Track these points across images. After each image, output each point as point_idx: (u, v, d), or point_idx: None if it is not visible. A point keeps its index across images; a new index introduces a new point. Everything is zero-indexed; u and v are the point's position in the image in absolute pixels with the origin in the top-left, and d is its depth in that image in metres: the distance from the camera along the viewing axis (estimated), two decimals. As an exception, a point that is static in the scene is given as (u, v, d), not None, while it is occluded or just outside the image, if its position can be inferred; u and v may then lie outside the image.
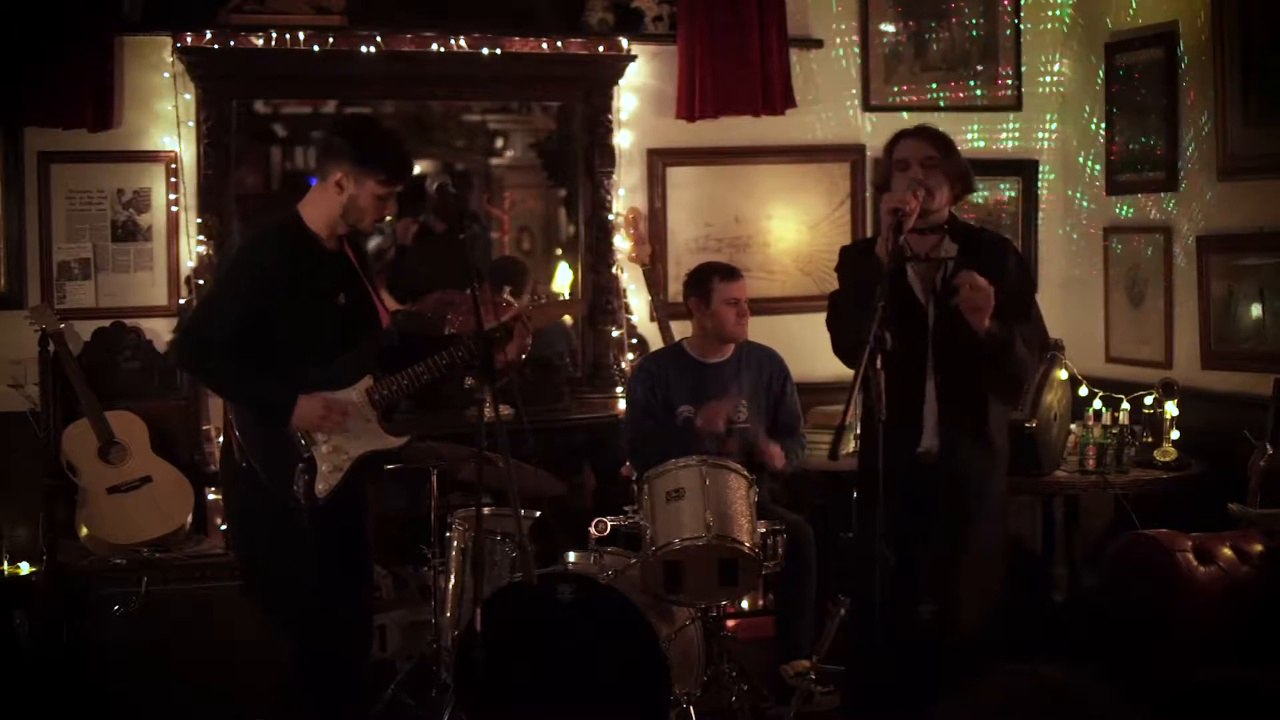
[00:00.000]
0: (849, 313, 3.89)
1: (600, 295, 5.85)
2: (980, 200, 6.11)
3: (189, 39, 5.29)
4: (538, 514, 4.51)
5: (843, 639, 4.28)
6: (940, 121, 6.09)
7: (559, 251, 6.53)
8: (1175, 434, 5.29)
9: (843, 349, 4.07)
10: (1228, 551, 4.09)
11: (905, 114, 6.15)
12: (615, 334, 5.87)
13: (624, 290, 5.89)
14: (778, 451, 4.86)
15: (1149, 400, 5.39)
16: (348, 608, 3.85)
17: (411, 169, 3.96)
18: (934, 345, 4.01)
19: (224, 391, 3.96)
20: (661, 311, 5.66)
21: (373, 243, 7.19)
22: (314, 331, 3.77)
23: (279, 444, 3.74)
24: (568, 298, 5.94)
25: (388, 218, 3.95)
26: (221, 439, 4.16)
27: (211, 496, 5.09)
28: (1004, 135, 6.27)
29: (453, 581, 4.49)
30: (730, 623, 4.95)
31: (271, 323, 3.73)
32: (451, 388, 5.13)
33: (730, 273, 5.02)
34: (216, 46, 5.32)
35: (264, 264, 3.78)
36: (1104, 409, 5.39)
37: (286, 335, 3.74)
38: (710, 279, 4.98)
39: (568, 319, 6.13)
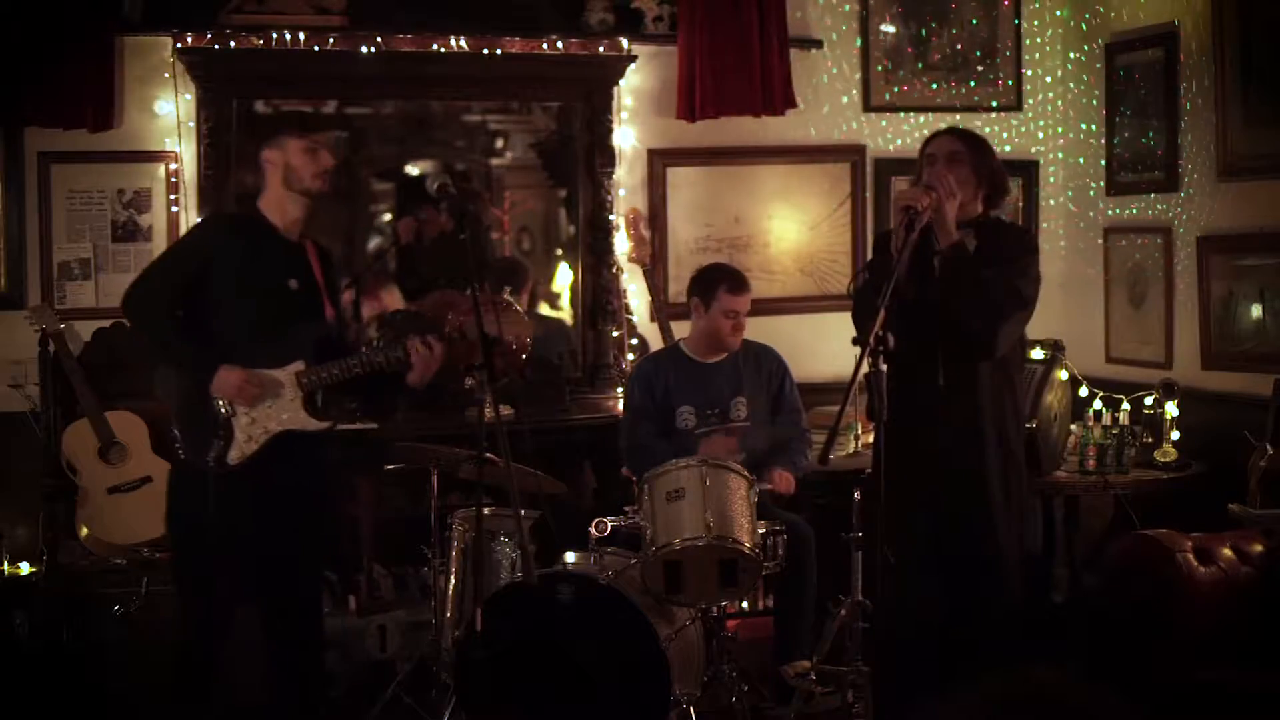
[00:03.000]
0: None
1: (600, 295, 5.85)
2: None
3: (189, 39, 5.29)
4: (538, 514, 4.51)
5: (851, 638, 4.27)
6: (940, 122, 6.14)
7: (559, 251, 6.52)
8: (1175, 434, 5.29)
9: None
10: (1228, 552, 4.09)
11: (905, 114, 6.17)
12: (615, 334, 5.87)
13: (624, 290, 5.89)
14: (786, 478, 4.86)
15: (1149, 401, 5.39)
16: (245, 579, 3.99)
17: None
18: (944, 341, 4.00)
19: (153, 342, 4.17)
20: (661, 312, 5.65)
21: (372, 242, 7.19)
22: (258, 310, 3.98)
23: (196, 407, 3.94)
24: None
25: (325, 168, 4.04)
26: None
27: (211, 496, 5.09)
28: (1004, 135, 6.27)
29: (453, 581, 4.48)
30: (730, 623, 4.94)
31: (213, 295, 3.96)
32: (453, 388, 5.14)
33: (737, 285, 4.92)
34: (216, 46, 5.32)
35: (210, 240, 4.10)
36: (1104, 409, 5.39)
37: (229, 310, 3.96)
38: (716, 287, 4.90)
39: (568, 320, 6.13)
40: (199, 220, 4.22)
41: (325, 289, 4.11)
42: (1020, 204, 6.28)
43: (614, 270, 5.87)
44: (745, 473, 4.40)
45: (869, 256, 5.89)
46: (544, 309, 6.41)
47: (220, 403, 3.91)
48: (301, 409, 3.97)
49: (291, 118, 4.16)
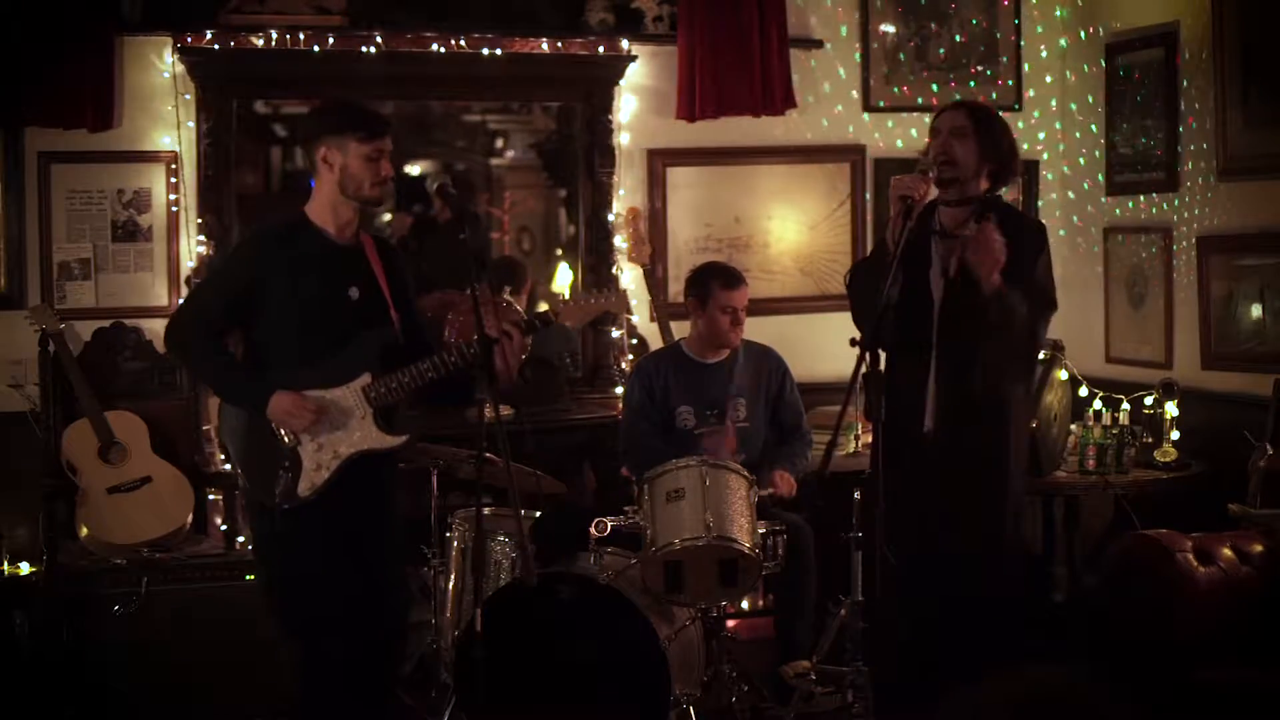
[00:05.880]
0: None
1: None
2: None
3: (189, 39, 5.29)
4: (538, 514, 4.51)
5: (851, 638, 4.27)
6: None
7: (559, 251, 6.53)
8: (1175, 434, 5.29)
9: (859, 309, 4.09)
10: (1228, 552, 4.09)
11: (905, 114, 6.17)
12: (615, 334, 5.87)
13: (624, 290, 5.89)
14: (787, 479, 4.84)
15: (1149, 400, 5.39)
16: (346, 613, 3.75)
17: (385, 121, 3.79)
18: (939, 328, 3.98)
19: (201, 375, 3.99)
20: (661, 311, 5.66)
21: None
22: (317, 327, 3.71)
23: (260, 443, 3.70)
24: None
25: (386, 176, 3.73)
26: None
27: (211, 497, 5.09)
28: (1004, 135, 6.26)
29: (453, 581, 4.49)
30: (730, 623, 4.94)
31: (267, 317, 3.71)
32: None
33: (731, 280, 4.93)
34: (216, 46, 5.32)
35: (255, 258, 3.77)
36: (1104, 409, 5.39)
37: (285, 330, 3.71)
38: (710, 283, 4.92)
39: (567, 320, 6.11)
40: (243, 238, 3.84)
41: (390, 291, 3.80)
42: (1020, 203, 6.28)
43: (614, 270, 5.87)
44: (745, 473, 4.40)
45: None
46: (544, 309, 6.41)
47: (283, 433, 3.66)
48: (373, 426, 3.71)
49: (360, 112, 3.81)
